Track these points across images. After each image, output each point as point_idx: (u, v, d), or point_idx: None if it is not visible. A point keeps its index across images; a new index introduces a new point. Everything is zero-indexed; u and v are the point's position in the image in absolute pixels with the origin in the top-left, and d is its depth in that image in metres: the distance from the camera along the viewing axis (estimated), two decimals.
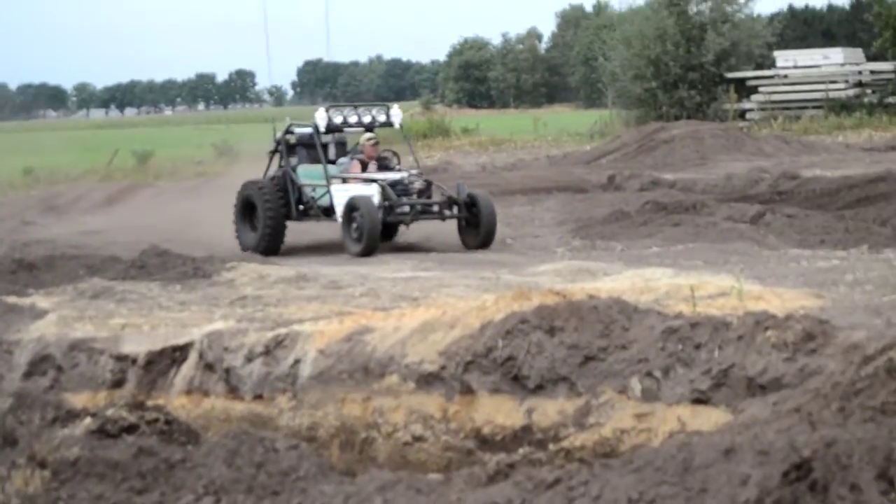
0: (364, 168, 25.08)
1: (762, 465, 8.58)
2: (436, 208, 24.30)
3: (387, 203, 23.47)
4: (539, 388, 13.34)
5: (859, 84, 73.80)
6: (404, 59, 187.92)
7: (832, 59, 77.71)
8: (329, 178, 24.92)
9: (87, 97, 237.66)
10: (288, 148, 26.62)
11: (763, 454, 8.66)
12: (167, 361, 15.44)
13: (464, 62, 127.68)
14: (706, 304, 14.72)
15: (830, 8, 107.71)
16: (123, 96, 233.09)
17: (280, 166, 26.51)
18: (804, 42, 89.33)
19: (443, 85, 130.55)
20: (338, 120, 26.23)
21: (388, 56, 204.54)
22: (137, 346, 15.75)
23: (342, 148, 26.55)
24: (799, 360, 12.71)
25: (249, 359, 15.13)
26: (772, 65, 78.07)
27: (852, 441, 8.47)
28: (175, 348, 15.54)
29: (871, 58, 77.93)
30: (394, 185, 24.11)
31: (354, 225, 22.92)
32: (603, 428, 12.14)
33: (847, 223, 27.16)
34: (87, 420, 11.97)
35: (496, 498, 9.50)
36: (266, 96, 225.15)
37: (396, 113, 26.93)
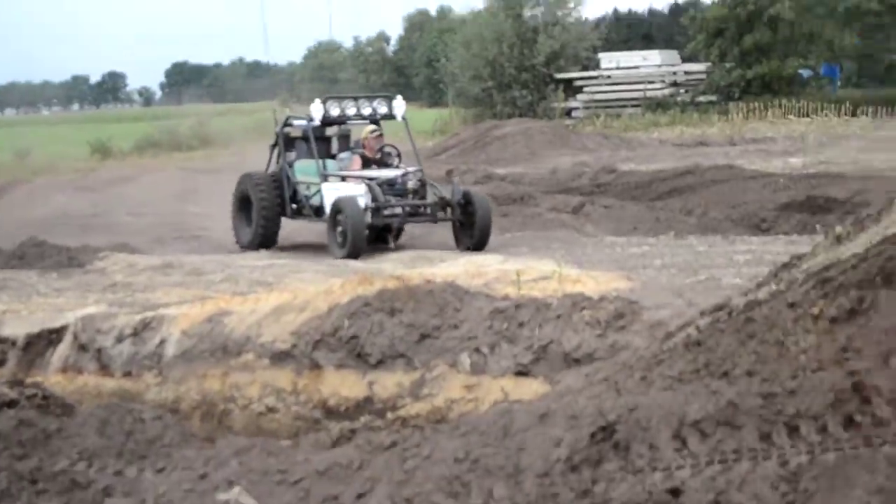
0: (366, 164, 23.13)
1: (573, 427, 8.82)
2: (428, 210, 22.15)
3: (374, 204, 21.40)
4: (380, 364, 13.51)
5: (674, 84, 74.21)
6: (263, 61, 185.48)
7: (650, 61, 78.10)
8: (324, 176, 22.89)
9: None
10: (287, 141, 24.46)
11: (573, 418, 8.91)
12: (44, 343, 15.41)
13: (318, 64, 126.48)
14: (530, 287, 14.89)
15: (651, 13, 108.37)
16: (2, 97, 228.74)
17: (278, 160, 24.40)
18: (627, 44, 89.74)
19: (298, 86, 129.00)
20: (335, 112, 23.83)
21: (249, 58, 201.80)
22: (16, 329, 15.71)
23: (345, 141, 24.32)
24: (610, 336, 12.97)
25: (119, 339, 15.15)
26: (597, 66, 78.35)
27: (652, 406, 8.74)
28: (51, 331, 15.52)
29: (685, 59, 78.43)
30: (389, 183, 22.08)
31: (339, 228, 21.01)
32: (436, 398, 12.33)
33: (657, 213, 27.54)
34: None
35: (339, 459, 9.68)
36: (136, 97, 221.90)
37: (399, 104, 24.56)
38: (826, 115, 59.35)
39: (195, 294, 16.83)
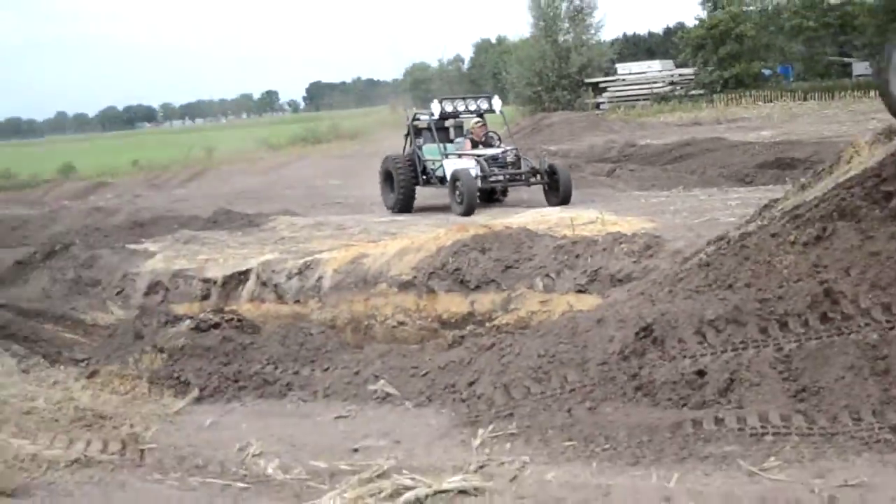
0: (475, 145, 22.98)
1: (621, 328, 8.74)
2: (522, 177, 21.90)
3: (482, 174, 21.31)
4: (477, 288, 13.46)
5: (672, 83, 74.06)
6: (375, 77, 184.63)
7: (654, 68, 78.04)
8: (444, 155, 22.84)
9: (169, 112, 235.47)
10: (416, 131, 24.28)
11: (622, 322, 8.82)
12: (236, 281, 15.50)
13: (413, 79, 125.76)
14: (581, 229, 14.82)
15: (650, 34, 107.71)
16: (194, 111, 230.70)
17: (412, 145, 24.10)
18: (635, 57, 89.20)
19: (402, 96, 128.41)
20: (449, 109, 24.02)
21: (364, 77, 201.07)
22: (216, 272, 15.80)
23: (460, 130, 24.28)
24: (642, 262, 12.83)
25: (289, 277, 15.21)
26: (615, 72, 78.04)
27: (678, 311, 8.63)
28: (240, 273, 15.60)
29: (678, 65, 78.15)
30: (493, 158, 21.93)
31: (457, 192, 20.98)
32: (519, 311, 12.29)
33: (669, 174, 27.39)
34: (187, 321, 12.03)
35: (453, 357, 9.66)
36: (286, 107, 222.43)
37: (497, 102, 24.86)
38: (784, 101, 59.62)
39: (341, 243, 16.85)
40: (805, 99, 60.30)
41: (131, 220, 23.65)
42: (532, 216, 17.67)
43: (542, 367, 8.67)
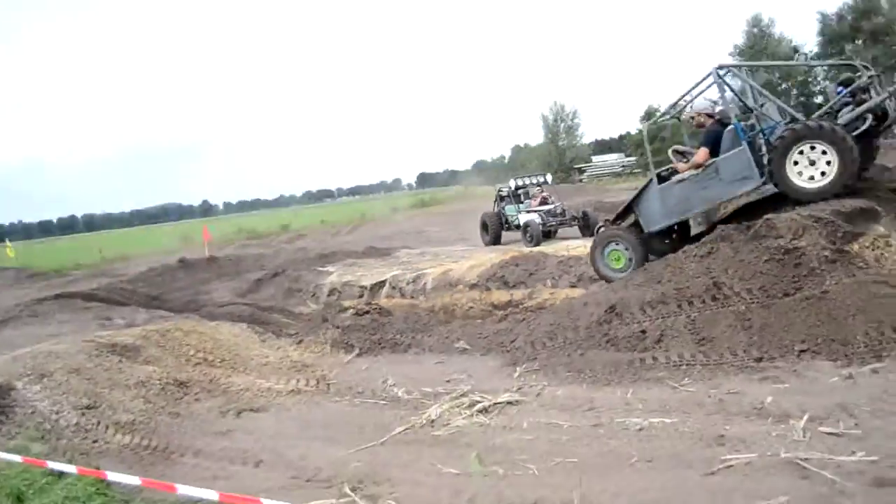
0: (540, 204, 21.52)
1: (597, 307, 8.61)
2: (567, 222, 20.41)
3: (542, 221, 19.97)
4: (514, 286, 13.33)
5: (623, 166, 72.17)
6: (455, 168, 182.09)
7: (612, 157, 75.75)
8: (519, 211, 21.58)
9: (341, 192, 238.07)
10: (501, 197, 22.98)
11: (597, 304, 8.69)
12: (378, 286, 15.48)
13: (477, 169, 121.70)
14: (573, 252, 14.65)
15: (611, 138, 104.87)
16: (356, 190, 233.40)
17: (498, 206, 22.75)
18: (602, 151, 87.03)
19: (506, 172, 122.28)
20: (520, 182, 23.03)
21: (449, 168, 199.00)
22: (367, 281, 15.82)
23: (526, 194, 22.64)
24: None
25: (408, 283, 15.18)
26: (591, 160, 76.63)
27: (629, 296, 8.46)
28: (381, 281, 15.59)
29: (627, 156, 76.24)
30: (548, 212, 20.56)
31: (528, 234, 19.64)
32: (538, 299, 12.16)
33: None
34: (350, 310, 12.07)
35: (501, 327, 9.60)
36: (407, 188, 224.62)
37: (549, 176, 24.38)
38: None
39: (436, 263, 16.82)
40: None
41: (319, 254, 23.84)
42: (547, 246, 17.56)
43: (552, 331, 8.60)
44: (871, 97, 8.70)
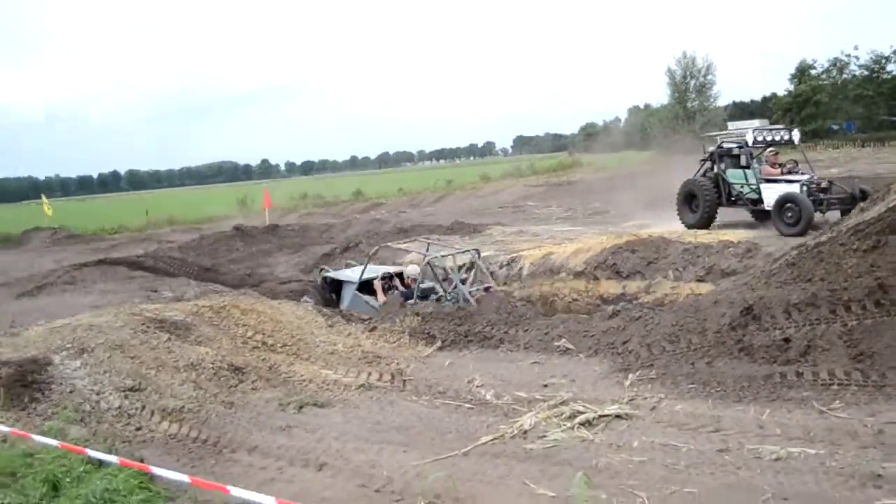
0: (785, 171, 17.39)
1: (730, 307, 8.48)
2: (842, 201, 15.74)
3: (811, 197, 15.68)
4: (628, 276, 13.23)
5: None
6: (558, 132, 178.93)
7: (754, 125, 74.55)
8: (759, 179, 17.14)
9: (422, 155, 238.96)
10: (719, 157, 18.43)
11: (730, 303, 8.55)
12: (465, 268, 15.54)
13: (586, 133, 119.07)
14: (701, 238, 14.41)
15: (752, 101, 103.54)
16: (439, 154, 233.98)
17: (710, 169, 18.38)
18: (741, 117, 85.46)
19: (577, 144, 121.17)
20: (760, 138, 18.14)
21: (552, 132, 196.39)
22: (454, 262, 15.86)
23: (750, 157, 17.81)
24: (744, 261, 12.38)
25: (501, 267, 15.23)
26: (727, 129, 74.88)
27: (771, 297, 8.31)
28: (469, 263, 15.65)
29: (772, 123, 74.79)
30: (813, 183, 16.38)
31: (789, 213, 15.32)
32: (657, 293, 12.03)
33: None
34: (433, 295, 12.11)
35: (611, 324, 9.51)
36: (500, 153, 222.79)
37: (796, 133, 18.88)
38: (848, 148, 56.64)
39: (535, 244, 16.79)
40: (863, 146, 57.29)
41: (397, 227, 24.13)
42: (665, 228, 17.26)
43: (673, 333, 8.51)
44: None
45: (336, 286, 14.45)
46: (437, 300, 12.41)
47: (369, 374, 8.86)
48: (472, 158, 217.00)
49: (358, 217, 33.47)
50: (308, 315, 10.94)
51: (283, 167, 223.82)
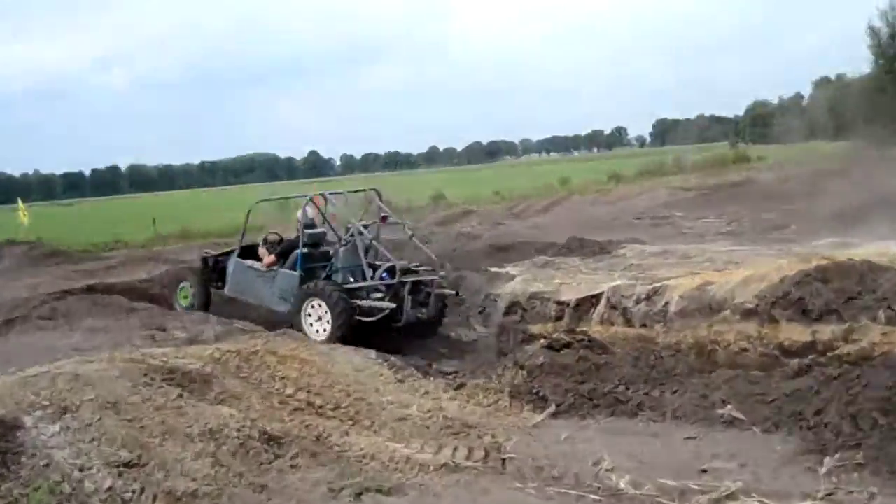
0: None
1: None
2: None
3: None
4: (819, 318, 12.92)
5: None
6: (717, 114, 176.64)
7: None
8: None
9: (527, 147, 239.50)
10: None
11: None
12: (587, 304, 15.44)
13: (754, 115, 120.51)
14: None
15: None
16: (549, 145, 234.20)
17: None
18: None
19: (743, 131, 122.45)
20: None
21: (707, 113, 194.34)
22: (569, 295, 15.81)
23: None
24: None
25: (637, 302, 15.06)
26: None
27: None
28: (592, 296, 15.54)
29: None
30: None
31: None
32: (862, 342, 11.68)
33: None
34: (542, 340, 12.06)
35: (799, 386, 9.31)
36: (633, 142, 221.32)
37: None
38: None
39: (686, 271, 16.55)
40: None
41: (493, 244, 24.10)
42: (873, 249, 16.85)
43: (891, 399, 8.26)
44: None
45: (221, 269, 17.27)
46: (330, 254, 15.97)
47: (455, 449, 8.77)
48: (595, 150, 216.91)
49: (437, 230, 33.54)
50: (370, 365, 10.93)
51: (337, 162, 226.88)
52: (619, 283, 16.00)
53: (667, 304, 14.86)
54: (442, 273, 17.17)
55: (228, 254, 17.75)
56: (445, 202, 50.58)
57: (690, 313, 14.39)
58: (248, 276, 16.68)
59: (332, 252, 16.32)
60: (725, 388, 9.64)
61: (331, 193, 17.79)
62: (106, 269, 28.23)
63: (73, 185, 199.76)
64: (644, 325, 14.70)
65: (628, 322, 14.81)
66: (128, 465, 8.00)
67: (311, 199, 16.96)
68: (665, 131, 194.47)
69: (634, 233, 26.78)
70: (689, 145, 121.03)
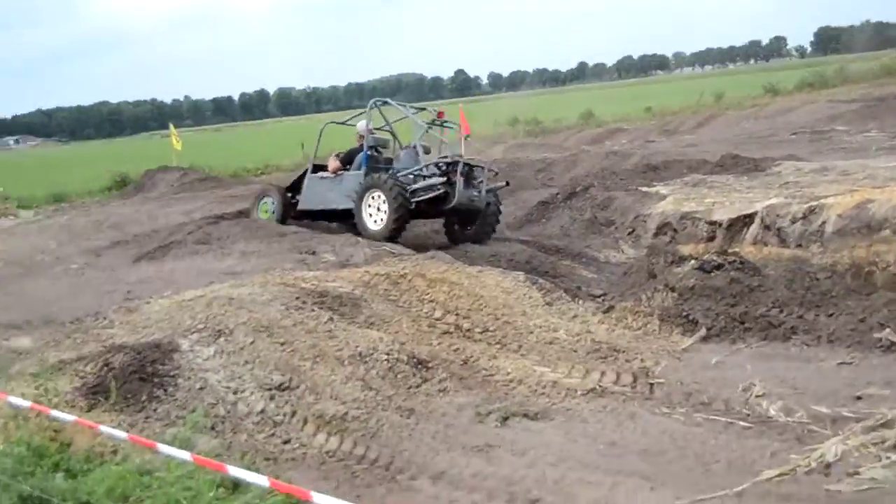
0: None
1: None
2: None
3: None
4: None
5: None
6: (885, 20, 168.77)
7: None
8: None
9: (681, 60, 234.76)
10: None
11: None
12: (740, 225, 15.21)
13: None
14: None
15: None
16: (704, 58, 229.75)
17: None
18: None
19: None
20: None
21: (873, 19, 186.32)
22: (721, 215, 15.59)
23: None
24: None
25: (793, 221, 14.78)
26: None
27: None
28: (745, 216, 15.30)
29: None
30: None
31: None
32: None
33: None
34: (694, 262, 11.94)
35: None
36: (793, 52, 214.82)
37: None
38: None
39: (845, 188, 16.14)
40: None
41: (644, 163, 23.84)
42: None
43: None
44: None
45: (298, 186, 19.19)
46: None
47: (602, 373, 8.83)
48: (752, 62, 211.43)
49: (588, 149, 33.31)
50: (518, 288, 10.99)
51: (484, 80, 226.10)
52: (773, 201, 15.72)
53: (823, 223, 14.56)
54: (495, 169, 19.12)
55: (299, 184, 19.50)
56: (595, 120, 50.13)
57: (849, 233, 14.07)
58: (318, 186, 18.53)
59: (394, 157, 18.39)
60: (884, 311, 9.43)
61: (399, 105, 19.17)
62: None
63: (221, 110, 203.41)
64: (799, 246, 14.44)
65: (783, 243, 14.56)
66: (279, 387, 8.26)
67: (373, 108, 18.67)
68: (828, 40, 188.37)
69: (791, 149, 26.14)
70: (852, 54, 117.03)
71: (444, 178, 16.44)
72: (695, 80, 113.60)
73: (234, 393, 8.19)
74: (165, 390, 8.26)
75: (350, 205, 17.18)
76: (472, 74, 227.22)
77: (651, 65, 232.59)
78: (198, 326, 9.15)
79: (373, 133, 18.45)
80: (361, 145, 18.17)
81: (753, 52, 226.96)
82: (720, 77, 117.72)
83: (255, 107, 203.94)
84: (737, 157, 22.27)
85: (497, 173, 19.17)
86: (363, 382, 8.53)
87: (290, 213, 18.99)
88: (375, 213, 16.70)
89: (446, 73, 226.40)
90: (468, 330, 9.86)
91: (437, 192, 16.50)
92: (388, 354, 8.97)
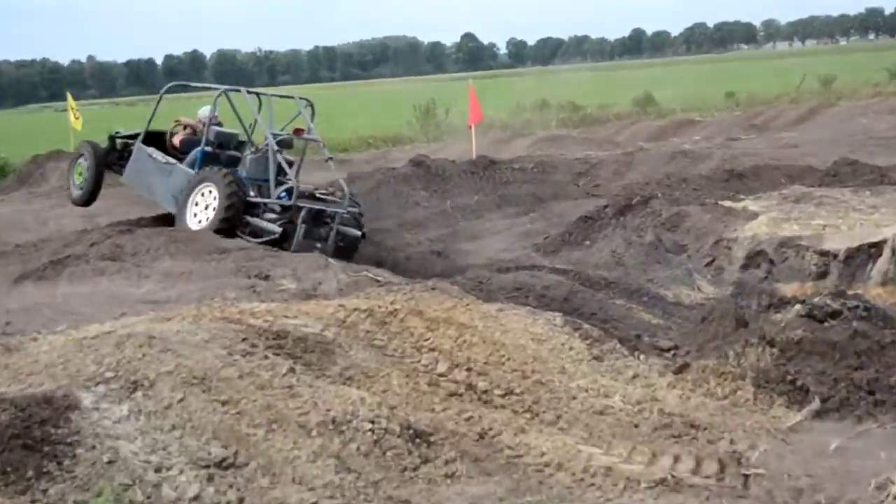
0: None
1: None
2: None
3: None
4: None
5: None
6: None
7: None
8: None
9: (773, 31, 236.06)
10: None
11: None
12: (864, 256, 15.20)
13: None
14: None
15: None
16: (805, 29, 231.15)
17: None
18: None
19: None
20: None
21: None
22: (837, 243, 15.58)
23: None
24: None
25: None
26: None
27: None
28: (870, 245, 15.29)
29: None
30: None
31: None
32: None
33: None
34: (798, 306, 11.85)
35: None
36: None
37: None
38: None
39: None
40: None
41: (725, 169, 23.93)
42: None
43: None
44: None
45: (128, 153, 21.06)
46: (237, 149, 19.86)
47: (676, 458, 8.74)
48: (872, 37, 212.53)
49: (647, 147, 33.41)
50: (555, 336, 10.88)
51: (502, 49, 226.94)
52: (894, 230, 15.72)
53: None
54: (355, 209, 19.52)
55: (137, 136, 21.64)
56: (656, 108, 50.30)
57: None
58: (145, 165, 20.50)
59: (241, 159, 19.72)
60: None
61: (249, 92, 21.08)
62: None
63: (138, 78, 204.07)
64: None
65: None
66: (220, 465, 8.10)
67: (224, 94, 20.26)
68: None
69: None
70: None
71: (288, 222, 17.82)
72: (793, 59, 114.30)
73: (157, 471, 8.02)
74: (60, 464, 8.08)
75: (175, 207, 18.83)
76: (484, 41, 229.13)
77: (732, 36, 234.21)
78: (105, 375, 8.96)
79: (218, 125, 20.24)
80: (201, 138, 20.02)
81: (873, 22, 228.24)
82: (829, 56, 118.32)
83: (184, 74, 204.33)
84: (855, 164, 22.32)
85: (361, 209, 20.00)
86: (338, 461, 8.37)
87: (101, 183, 20.98)
88: (203, 210, 18.13)
89: (450, 38, 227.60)
90: (485, 391, 9.74)
91: (270, 237, 18.10)
92: (372, 423, 8.81)
